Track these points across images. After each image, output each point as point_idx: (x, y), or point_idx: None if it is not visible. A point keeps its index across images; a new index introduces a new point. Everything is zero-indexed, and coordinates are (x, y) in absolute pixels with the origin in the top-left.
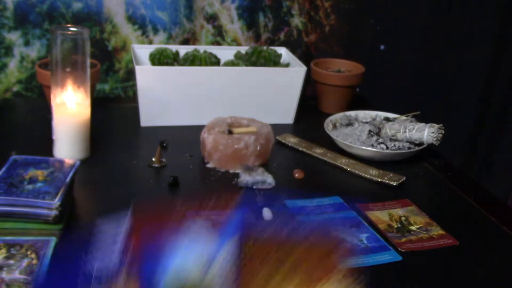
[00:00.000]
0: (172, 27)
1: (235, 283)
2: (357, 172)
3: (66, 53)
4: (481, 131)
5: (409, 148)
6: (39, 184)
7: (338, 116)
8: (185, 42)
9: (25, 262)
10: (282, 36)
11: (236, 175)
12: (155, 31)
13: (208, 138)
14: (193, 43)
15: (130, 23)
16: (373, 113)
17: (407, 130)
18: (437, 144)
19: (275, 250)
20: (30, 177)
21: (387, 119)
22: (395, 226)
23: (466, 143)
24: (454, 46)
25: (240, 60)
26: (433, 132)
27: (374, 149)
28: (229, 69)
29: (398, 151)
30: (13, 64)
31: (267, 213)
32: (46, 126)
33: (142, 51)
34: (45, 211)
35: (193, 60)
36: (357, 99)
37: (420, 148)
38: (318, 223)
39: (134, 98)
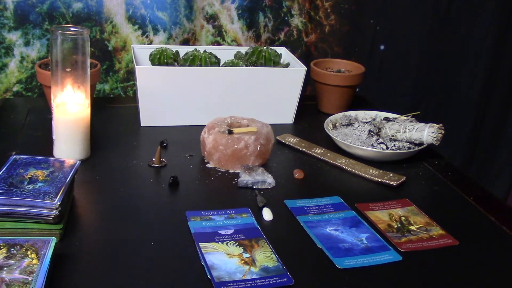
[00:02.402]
0: (172, 27)
1: None
2: (357, 172)
3: (66, 53)
4: (481, 131)
5: (409, 148)
6: (39, 184)
7: (338, 116)
8: (185, 42)
9: (25, 262)
10: (282, 36)
11: (236, 175)
12: (155, 31)
13: (208, 138)
14: (193, 43)
15: (130, 23)
16: (373, 113)
17: (407, 130)
18: (437, 144)
19: None
20: (30, 177)
21: (387, 119)
22: (395, 226)
23: (466, 143)
24: (453, 46)
25: (240, 60)
26: (433, 132)
27: (374, 149)
28: (229, 69)
29: (398, 151)
30: (13, 64)
31: (267, 213)
32: (46, 126)
33: (142, 51)
34: (45, 211)
35: (193, 60)
36: (357, 99)
37: (420, 148)
38: None
39: (134, 98)
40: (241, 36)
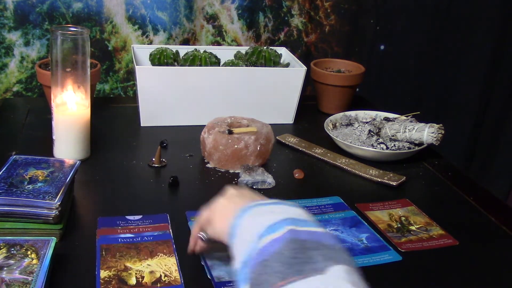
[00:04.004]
0: (172, 27)
1: None
2: (357, 172)
3: (66, 53)
4: (481, 131)
5: (409, 148)
6: (39, 184)
7: (338, 116)
8: (185, 42)
9: (25, 262)
10: (282, 36)
11: (236, 175)
12: (155, 31)
13: (208, 138)
14: (193, 43)
15: (130, 23)
16: (373, 113)
17: (407, 130)
18: (437, 144)
19: None
20: (30, 177)
21: (387, 119)
22: (395, 226)
23: (466, 143)
24: (453, 46)
25: (240, 60)
26: (433, 132)
27: (374, 149)
28: (229, 69)
29: (398, 151)
30: (13, 64)
31: None
32: (46, 126)
33: (142, 51)
34: (45, 211)
35: (193, 60)
36: (357, 99)
37: (420, 148)
38: None
39: (134, 98)
40: (241, 36)
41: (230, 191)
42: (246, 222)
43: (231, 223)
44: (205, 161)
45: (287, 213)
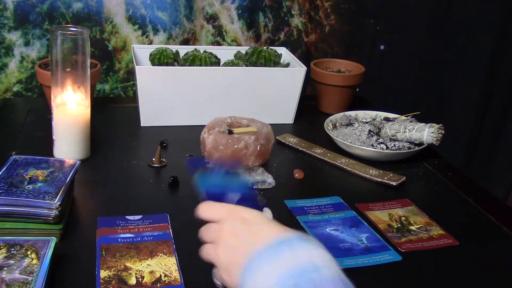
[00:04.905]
0: (172, 27)
1: None
2: (357, 172)
3: (66, 53)
4: (481, 131)
5: (409, 148)
6: (39, 184)
7: (338, 116)
8: (185, 42)
9: (25, 262)
10: (282, 36)
11: None
12: (155, 31)
13: (208, 138)
14: (193, 43)
15: (130, 23)
16: (373, 113)
17: (407, 130)
18: (437, 144)
19: None
20: (30, 177)
21: (387, 119)
22: (395, 226)
23: (466, 143)
24: (454, 46)
25: (240, 60)
26: (433, 132)
27: (374, 149)
28: (229, 69)
29: (398, 151)
30: (13, 64)
31: (267, 213)
32: (46, 126)
33: (142, 51)
34: (45, 211)
35: (193, 60)
36: (357, 99)
37: (420, 148)
38: None
39: (134, 98)
40: (241, 36)
41: (224, 237)
42: (253, 279)
43: (241, 276)
44: (205, 161)
45: (291, 264)
